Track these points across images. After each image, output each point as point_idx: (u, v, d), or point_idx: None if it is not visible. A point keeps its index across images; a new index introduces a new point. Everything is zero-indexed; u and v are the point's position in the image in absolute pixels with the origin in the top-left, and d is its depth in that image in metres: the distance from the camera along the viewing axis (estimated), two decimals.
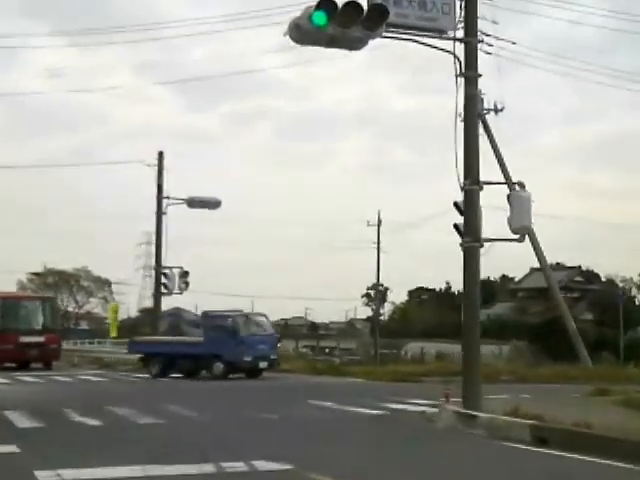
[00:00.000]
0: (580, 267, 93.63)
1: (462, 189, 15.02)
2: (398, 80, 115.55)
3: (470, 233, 14.99)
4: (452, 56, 14.85)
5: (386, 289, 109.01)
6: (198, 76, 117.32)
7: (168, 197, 32.44)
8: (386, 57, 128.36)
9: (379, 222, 70.20)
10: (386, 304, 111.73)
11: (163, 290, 32.61)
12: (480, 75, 15.29)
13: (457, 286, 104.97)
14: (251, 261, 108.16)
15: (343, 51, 13.99)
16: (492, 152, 31.03)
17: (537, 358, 45.63)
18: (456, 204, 15.51)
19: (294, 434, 13.36)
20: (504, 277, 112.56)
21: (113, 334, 41.12)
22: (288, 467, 9.62)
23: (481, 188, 15.04)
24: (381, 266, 70.52)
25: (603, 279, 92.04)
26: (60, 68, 69.08)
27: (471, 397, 14.54)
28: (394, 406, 17.58)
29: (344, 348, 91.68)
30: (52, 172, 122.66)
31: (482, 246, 15.06)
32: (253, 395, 21.78)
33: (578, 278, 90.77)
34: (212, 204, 32.68)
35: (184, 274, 32.09)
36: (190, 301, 73.51)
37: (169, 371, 29.73)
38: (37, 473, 9.22)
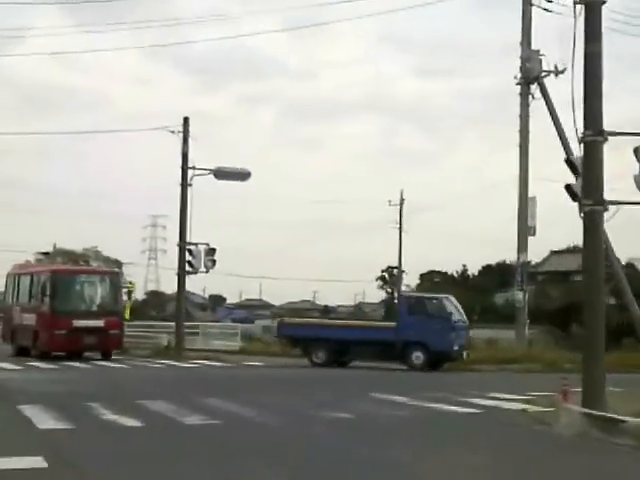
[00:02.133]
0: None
1: (580, 141, 12.33)
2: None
3: (591, 194, 12.28)
4: None
5: (402, 272, 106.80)
6: (204, 57, 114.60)
7: (194, 167, 29.60)
8: None
9: (401, 201, 67.56)
10: (402, 287, 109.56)
11: (188, 268, 29.69)
12: (604, 1, 12.54)
13: (473, 269, 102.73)
14: (256, 242, 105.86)
15: None
16: (550, 117, 28.32)
17: (560, 344, 43.24)
18: (569, 161, 12.91)
19: (390, 443, 10.71)
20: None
21: (128, 316, 38.19)
22: None
23: (605, 139, 12.31)
24: (396, 248, 68.18)
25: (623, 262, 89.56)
26: (65, 48, 66.28)
27: (595, 394, 11.88)
28: (480, 402, 14.90)
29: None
30: (62, 149, 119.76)
31: (606, 210, 12.39)
32: (309, 387, 18.89)
33: None
34: (241, 175, 29.85)
35: (210, 251, 29.17)
36: (194, 284, 71.07)
37: (339, 359, 25.91)
38: None
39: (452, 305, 26.00)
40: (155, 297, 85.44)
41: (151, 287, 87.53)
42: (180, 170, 29.83)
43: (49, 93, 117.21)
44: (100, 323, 27.66)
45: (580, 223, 12.45)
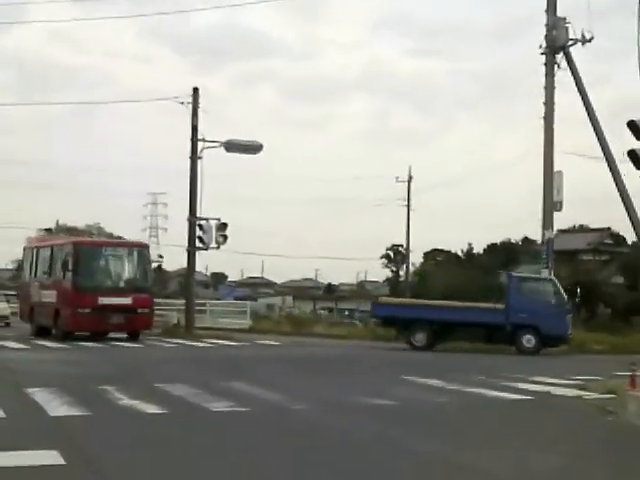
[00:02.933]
0: (610, 229, 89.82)
1: None
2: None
3: None
4: None
5: (406, 250, 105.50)
6: (203, 37, 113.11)
7: (204, 139, 28.33)
8: None
9: (409, 178, 66.32)
10: (406, 266, 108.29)
11: (198, 244, 28.44)
12: None
13: (479, 247, 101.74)
14: (257, 220, 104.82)
15: None
16: (575, 87, 27.09)
17: (575, 324, 42.36)
18: (633, 124, 11.70)
19: (449, 433, 9.62)
20: (526, 239, 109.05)
21: None
22: None
23: None
24: (399, 226, 67.04)
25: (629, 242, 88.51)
26: (64, 27, 64.80)
27: None
28: (526, 387, 13.76)
29: (364, 310, 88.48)
30: (64, 124, 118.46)
31: None
32: (336, 369, 17.71)
33: (608, 240, 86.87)
34: (253, 148, 28.56)
35: (222, 226, 27.89)
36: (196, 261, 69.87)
37: (439, 341, 24.71)
38: None
39: (561, 287, 25.07)
40: (156, 275, 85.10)
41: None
42: (190, 142, 28.58)
43: (48, 71, 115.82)
44: (128, 301, 25.27)
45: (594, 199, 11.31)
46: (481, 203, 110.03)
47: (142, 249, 27.85)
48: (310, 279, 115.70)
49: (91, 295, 24.81)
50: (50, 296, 26.58)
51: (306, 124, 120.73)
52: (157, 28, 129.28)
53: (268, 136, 53.83)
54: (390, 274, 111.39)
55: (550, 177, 27.34)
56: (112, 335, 26.37)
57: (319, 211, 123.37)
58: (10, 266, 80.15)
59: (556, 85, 27.60)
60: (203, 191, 28.97)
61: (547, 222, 27.77)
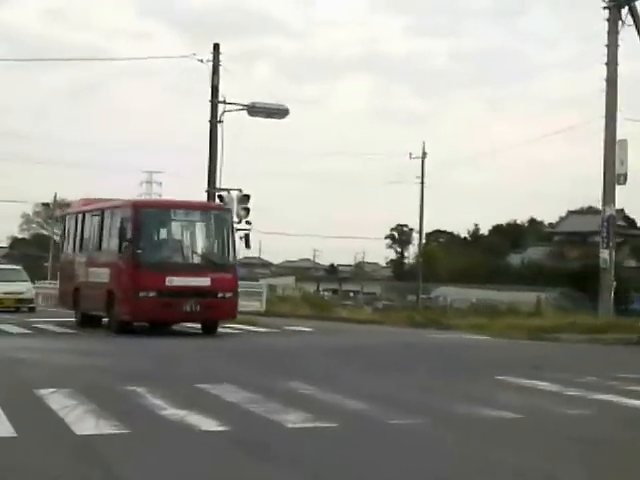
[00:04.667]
0: (623, 210, 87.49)
1: None
2: None
3: None
4: None
5: (411, 230, 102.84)
6: (199, 13, 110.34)
7: (224, 101, 25.40)
8: None
9: (424, 155, 63.56)
10: (411, 247, 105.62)
11: None
12: None
13: (484, 229, 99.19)
14: (254, 197, 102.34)
15: None
16: None
17: (581, 306, 39.97)
18: None
19: None
20: (532, 220, 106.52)
21: None
22: None
23: None
24: (401, 206, 64.50)
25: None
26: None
27: None
28: None
29: (367, 292, 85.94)
30: (63, 99, 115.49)
31: None
32: (402, 363, 14.68)
33: (621, 222, 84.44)
34: (279, 112, 25.76)
35: (244, 198, 24.97)
36: None
37: None
38: None
39: None
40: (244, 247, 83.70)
41: None
42: (210, 105, 25.68)
43: (45, 45, 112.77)
44: (205, 281, 19.50)
45: None
46: (486, 184, 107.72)
47: (224, 213, 21.66)
48: (308, 259, 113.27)
49: (157, 274, 19.00)
50: (101, 275, 20.89)
51: (302, 101, 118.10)
52: (154, 5, 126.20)
53: None
54: (391, 255, 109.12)
55: (612, 147, 24.58)
56: (179, 327, 21.48)
57: (316, 189, 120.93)
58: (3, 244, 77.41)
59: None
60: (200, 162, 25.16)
61: (608, 197, 24.97)
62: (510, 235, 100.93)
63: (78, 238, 23.39)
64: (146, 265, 19.15)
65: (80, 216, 23.39)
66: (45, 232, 72.55)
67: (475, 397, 10.06)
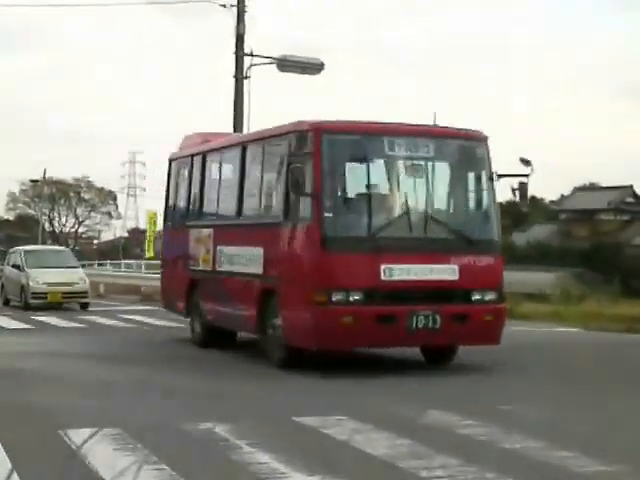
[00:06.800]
0: (632, 187, 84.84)
1: None
2: None
3: None
4: None
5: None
6: None
7: (251, 54, 21.89)
8: None
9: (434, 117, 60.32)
10: None
11: None
12: None
13: None
14: None
15: None
16: None
17: (594, 287, 37.15)
18: None
19: None
20: (533, 198, 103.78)
21: (149, 254, 30.51)
22: None
23: None
24: None
25: None
26: None
27: None
28: None
29: None
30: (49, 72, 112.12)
31: None
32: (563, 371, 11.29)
33: (629, 199, 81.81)
34: (313, 66, 22.34)
35: None
36: None
37: None
38: None
39: None
40: (137, 234, 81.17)
41: (130, 225, 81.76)
42: (234, 57, 22.05)
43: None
44: (450, 272, 10.59)
45: None
46: None
47: (480, 145, 11.26)
48: None
49: (363, 258, 10.30)
50: (247, 260, 11.77)
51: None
52: None
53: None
54: None
55: None
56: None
57: None
58: None
59: None
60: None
61: None
62: (509, 213, 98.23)
63: (196, 199, 13.99)
64: (342, 242, 10.37)
65: (200, 162, 13.93)
66: (33, 212, 68.98)
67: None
